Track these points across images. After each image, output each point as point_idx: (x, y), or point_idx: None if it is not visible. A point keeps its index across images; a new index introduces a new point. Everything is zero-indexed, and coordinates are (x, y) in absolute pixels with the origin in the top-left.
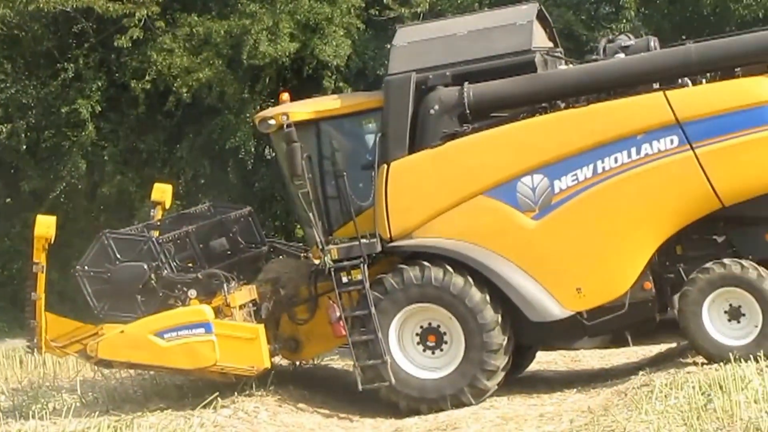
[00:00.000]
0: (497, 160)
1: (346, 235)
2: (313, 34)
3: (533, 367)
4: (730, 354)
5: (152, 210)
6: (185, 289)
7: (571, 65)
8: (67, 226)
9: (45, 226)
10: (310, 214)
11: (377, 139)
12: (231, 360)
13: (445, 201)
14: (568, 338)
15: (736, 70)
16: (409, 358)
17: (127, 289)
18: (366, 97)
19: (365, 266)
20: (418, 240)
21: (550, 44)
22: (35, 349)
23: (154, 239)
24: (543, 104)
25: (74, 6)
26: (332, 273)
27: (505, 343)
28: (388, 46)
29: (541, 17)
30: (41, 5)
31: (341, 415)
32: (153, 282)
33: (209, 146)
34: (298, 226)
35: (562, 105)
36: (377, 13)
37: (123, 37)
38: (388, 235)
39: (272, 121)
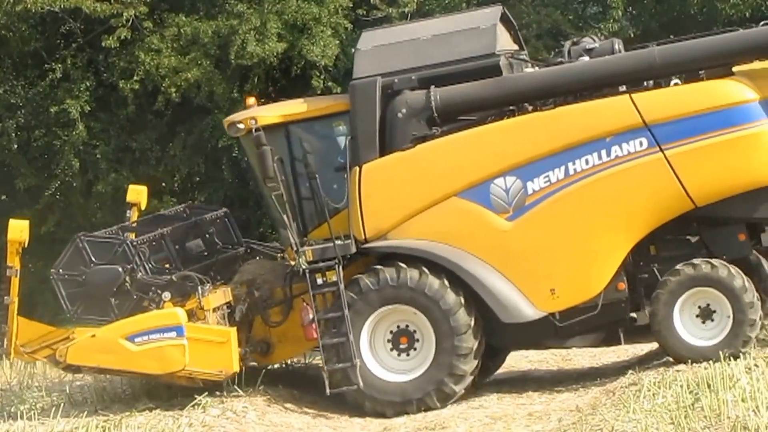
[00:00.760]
0: (470, 162)
1: (320, 237)
2: (300, 34)
3: (524, 366)
4: (702, 355)
5: (128, 211)
6: (159, 291)
7: (536, 68)
8: (64, 223)
9: (18, 230)
10: (284, 216)
11: (347, 141)
12: (200, 364)
13: (419, 202)
14: (538, 340)
15: (700, 72)
16: (378, 361)
17: (100, 292)
18: (333, 100)
19: (340, 267)
20: (393, 241)
21: (515, 47)
22: (4, 355)
23: (128, 242)
24: (510, 107)
25: (62, 6)
26: (307, 274)
27: (475, 347)
28: (352, 50)
29: (504, 20)
30: (29, 6)
31: (330, 415)
32: (127, 284)
33: (202, 144)
34: None
35: (530, 108)
36: (365, 13)
37: (111, 38)
38: (363, 237)
39: (241, 125)
